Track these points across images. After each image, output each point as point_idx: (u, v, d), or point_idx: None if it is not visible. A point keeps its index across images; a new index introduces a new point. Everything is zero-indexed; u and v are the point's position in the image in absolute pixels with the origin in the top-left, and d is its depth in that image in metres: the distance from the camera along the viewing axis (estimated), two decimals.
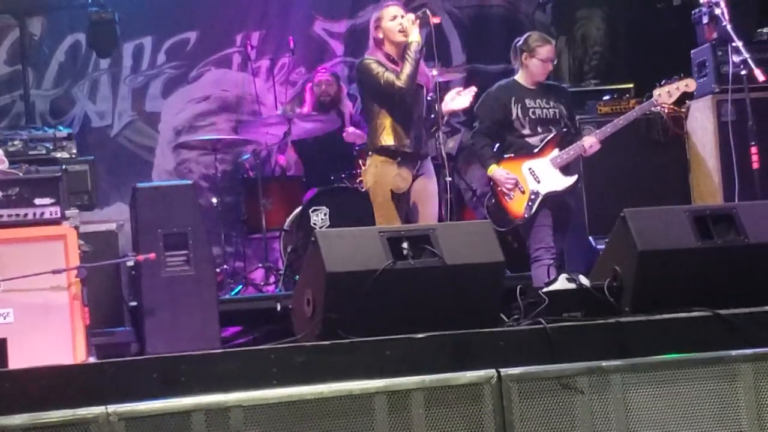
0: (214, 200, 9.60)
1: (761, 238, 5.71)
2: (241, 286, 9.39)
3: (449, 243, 5.47)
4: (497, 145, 8.13)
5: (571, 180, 8.02)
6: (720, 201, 8.76)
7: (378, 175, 7.51)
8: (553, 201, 7.99)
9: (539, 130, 8.04)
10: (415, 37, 7.46)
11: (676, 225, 5.69)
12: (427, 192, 7.66)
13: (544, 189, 7.95)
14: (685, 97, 9.30)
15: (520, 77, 8.19)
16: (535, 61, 8.09)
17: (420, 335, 5.05)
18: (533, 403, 4.82)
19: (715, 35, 9.13)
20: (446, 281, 5.41)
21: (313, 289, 5.43)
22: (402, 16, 7.54)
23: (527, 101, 8.07)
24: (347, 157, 9.69)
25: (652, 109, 8.73)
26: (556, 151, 8.01)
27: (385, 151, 7.51)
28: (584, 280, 5.85)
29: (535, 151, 8.01)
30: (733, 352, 4.93)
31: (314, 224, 9.10)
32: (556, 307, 5.59)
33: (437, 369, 4.91)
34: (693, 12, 9.41)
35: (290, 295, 7.19)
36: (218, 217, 9.61)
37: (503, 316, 5.59)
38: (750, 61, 7.63)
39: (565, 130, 8.07)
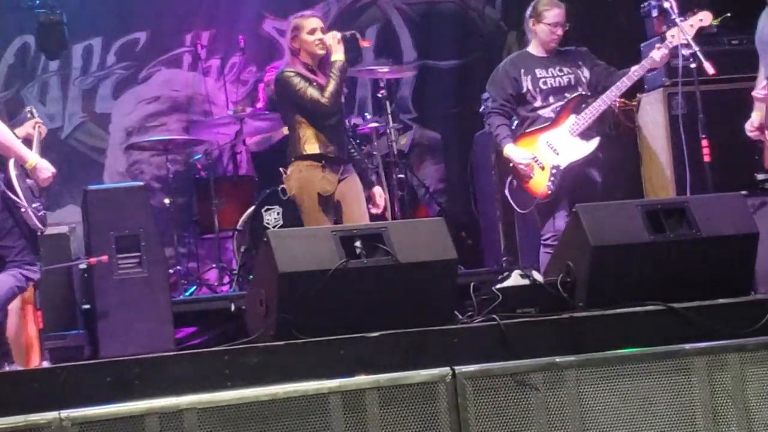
0: (167, 201, 9.53)
1: (713, 231, 5.76)
2: (194, 287, 9.34)
3: (402, 241, 5.48)
4: (515, 121, 7.96)
5: (592, 145, 7.75)
6: (672, 194, 8.80)
7: (303, 180, 7.42)
8: (574, 177, 7.72)
9: (551, 100, 7.82)
10: (339, 56, 7.37)
11: (628, 219, 5.72)
12: (353, 192, 7.55)
13: (564, 161, 7.70)
14: (635, 91, 9.34)
15: (532, 47, 7.99)
16: (542, 27, 7.86)
17: (374, 334, 5.06)
18: (488, 400, 4.83)
19: (664, 29, 9.16)
20: (400, 279, 5.42)
21: (266, 289, 5.42)
22: (321, 30, 7.47)
23: (538, 71, 7.85)
24: None
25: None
26: (572, 118, 7.75)
27: (309, 157, 7.43)
28: (538, 276, 5.87)
29: (552, 122, 7.77)
30: (687, 346, 4.96)
31: (267, 224, 9.04)
32: (510, 303, 5.61)
33: (392, 368, 4.91)
34: (642, 5, 9.44)
35: (244, 295, 7.17)
36: (171, 218, 9.54)
37: (457, 314, 5.60)
38: (699, 54, 7.64)
39: (579, 94, 7.79)
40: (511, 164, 7.81)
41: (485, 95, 8.26)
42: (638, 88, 9.39)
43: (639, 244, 5.67)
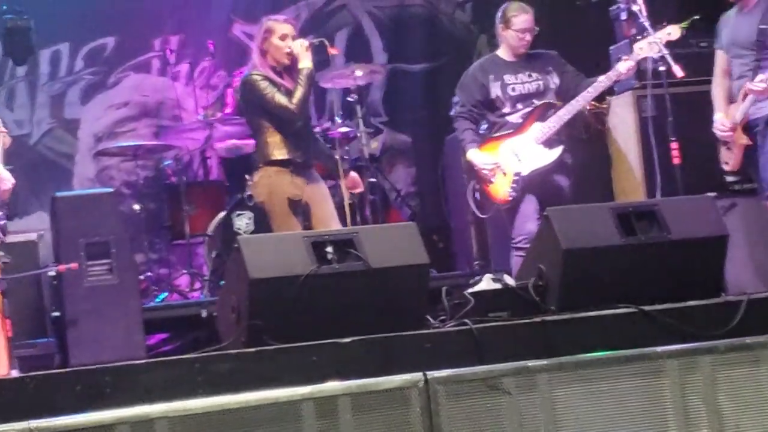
0: (137, 207, 9.48)
1: (684, 233, 5.77)
2: (166, 293, 9.29)
3: (374, 246, 5.47)
4: (484, 125, 7.97)
5: (555, 153, 7.75)
6: (642, 196, 8.81)
7: (273, 185, 7.41)
8: (539, 184, 7.73)
9: (519, 106, 7.82)
10: (306, 63, 7.36)
11: (599, 223, 5.73)
12: (321, 194, 7.57)
13: (526, 168, 7.71)
14: (606, 94, 9.35)
15: (501, 51, 8.00)
16: (511, 33, 7.88)
17: (346, 340, 5.05)
18: (460, 404, 4.81)
19: (633, 31, 9.17)
20: (371, 284, 5.41)
21: (237, 295, 5.40)
22: (292, 38, 7.45)
23: (507, 77, 7.86)
24: None
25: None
26: (538, 125, 7.75)
27: (278, 162, 7.42)
28: (509, 280, 5.88)
29: (516, 128, 7.79)
30: (659, 349, 4.96)
31: (238, 229, 9.02)
32: (482, 307, 5.60)
33: (364, 373, 4.89)
34: (611, 8, 9.46)
35: (216, 301, 7.14)
36: (141, 224, 9.49)
37: (429, 318, 5.59)
38: (668, 57, 7.66)
39: (546, 102, 7.80)
40: (474, 169, 7.82)
41: (455, 98, 8.27)
42: (608, 90, 9.40)
43: (610, 246, 5.68)
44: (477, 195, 7.88)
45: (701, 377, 4.97)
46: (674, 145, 7.71)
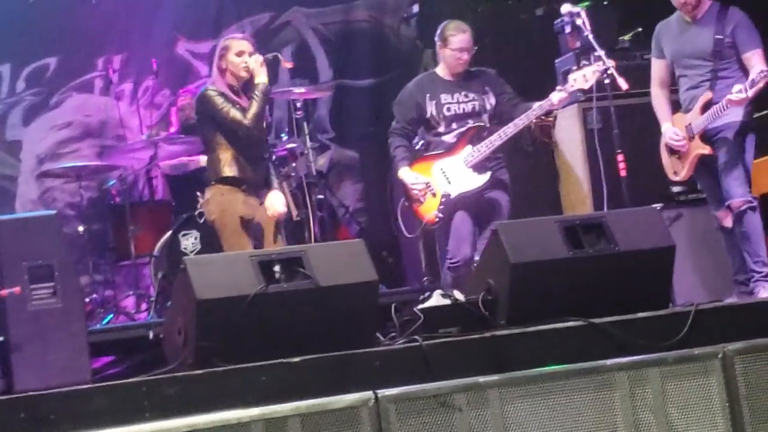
0: (81, 228, 9.40)
1: (631, 245, 5.78)
2: (111, 315, 9.22)
3: (322, 264, 5.44)
4: (421, 142, 8.01)
5: (482, 179, 7.76)
6: (589, 209, 8.84)
7: (225, 204, 7.37)
8: (469, 202, 7.77)
9: (454, 126, 7.85)
10: (262, 78, 7.34)
11: (547, 236, 5.73)
12: (268, 218, 7.52)
13: (455, 190, 7.74)
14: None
15: (439, 69, 8.01)
16: (448, 52, 7.89)
17: (295, 359, 5.01)
18: (412, 422, 4.78)
19: (578, 44, 9.23)
20: (320, 303, 5.38)
21: (184, 317, 5.35)
22: (249, 54, 7.41)
23: (443, 96, 7.87)
24: None
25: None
26: (468, 148, 7.79)
27: (228, 180, 7.38)
28: (459, 296, 5.85)
29: (448, 149, 7.83)
30: (608, 362, 4.95)
31: (185, 249, 8.96)
32: (432, 323, 5.58)
33: (314, 393, 4.85)
34: (555, 22, 9.51)
35: (163, 322, 7.07)
36: (85, 246, 9.43)
37: (379, 336, 5.57)
38: (613, 69, 7.69)
39: (479, 124, 7.84)
40: (404, 187, 7.87)
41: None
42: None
43: (558, 260, 5.68)
44: (406, 213, 7.94)
45: (651, 389, 4.98)
46: (620, 157, 7.73)
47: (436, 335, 5.40)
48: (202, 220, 7.59)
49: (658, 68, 7.70)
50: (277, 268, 5.34)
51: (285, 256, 5.44)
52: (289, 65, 7.75)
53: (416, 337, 5.26)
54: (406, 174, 7.82)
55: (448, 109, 7.86)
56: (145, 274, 9.62)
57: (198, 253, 8.80)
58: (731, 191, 7.29)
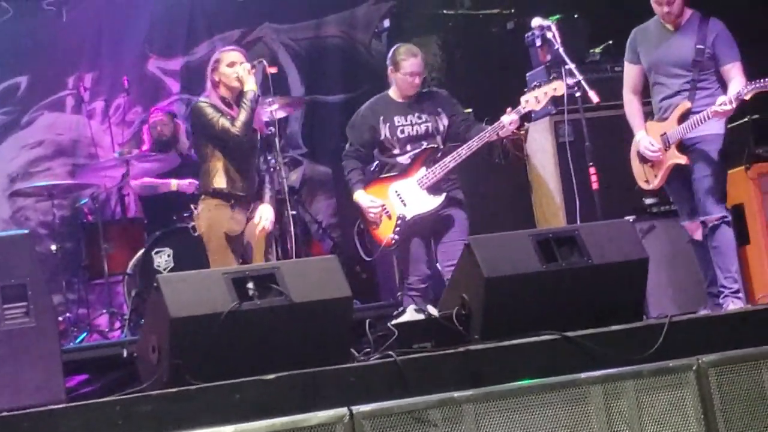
0: (54, 247, 9.37)
1: (604, 258, 5.78)
2: (85, 334, 9.19)
3: (295, 280, 5.42)
4: (376, 163, 8.05)
5: (437, 201, 7.82)
6: (562, 222, 8.86)
7: (212, 219, 7.41)
8: (424, 224, 7.84)
9: (408, 148, 7.91)
10: (251, 86, 7.37)
11: (520, 250, 5.72)
12: (256, 233, 7.54)
13: (410, 212, 7.81)
14: (523, 120, 9.40)
15: (392, 91, 8.07)
16: (399, 76, 7.96)
17: (270, 376, 4.98)
18: None
19: (548, 58, 9.26)
20: (294, 319, 5.35)
21: (158, 335, 5.32)
22: (240, 64, 7.44)
23: (397, 118, 7.94)
24: (188, 197, 9.58)
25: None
26: (422, 170, 7.85)
27: (217, 194, 7.40)
28: (433, 310, 5.84)
29: (403, 171, 7.89)
30: (583, 375, 4.94)
31: (158, 266, 8.96)
32: (406, 339, 5.57)
33: (289, 410, 4.83)
34: (526, 35, 9.53)
35: (137, 340, 7.04)
36: (58, 264, 9.39)
37: (354, 352, 5.55)
38: (583, 82, 7.72)
39: (433, 146, 7.90)
40: (360, 210, 7.92)
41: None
42: (526, 117, 9.46)
43: (532, 273, 5.68)
44: (362, 236, 7.99)
45: (626, 402, 4.97)
46: (592, 169, 7.75)
47: (411, 350, 5.39)
48: (196, 234, 7.57)
49: (632, 74, 7.67)
50: (250, 285, 5.32)
51: (258, 273, 5.42)
52: (273, 70, 7.72)
53: (391, 352, 5.24)
54: (361, 197, 7.91)
55: (402, 131, 7.93)
56: (119, 292, 9.59)
57: (171, 270, 8.78)
58: (708, 206, 7.29)
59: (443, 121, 7.99)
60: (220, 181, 7.39)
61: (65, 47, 10.76)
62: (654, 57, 7.50)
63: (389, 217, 7.84)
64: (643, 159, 7.55)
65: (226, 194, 7.39)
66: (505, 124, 7.72)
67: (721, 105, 7.10)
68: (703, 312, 7.11)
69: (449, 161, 7.81)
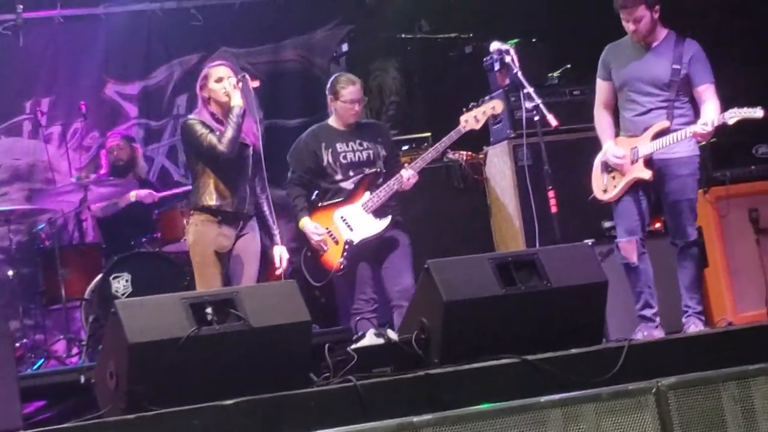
0: (10, 273, 9.32)
1: (563, 281, 5.80)
2: (42, 360, 9.12)
3: (254, 305, 5.41)
4: (316, 192, 8.09)
5: (383, 223, 7.92)
6: (521, 245, 8.88)
7: (198, 234, 7.43)
8: (371, 246, 7.92)
9: (351, 174, 7.99)
10: (237, 101, 7.36)
11: (479, 273, 5.73)
12: (249, 252, 7.56)
13: (357, 237, 7.90)
14: (482, 143, 9.43)
15: (332, 120, 8.14)
16: (339, 104, 8.04)
17: (229, 402, 4.95)
18: None
19: (507, 81, 9.29)
20: (253, 344, 5.34)
21: (116, 361, 5.28)
22: (228, 78, 7.44)
23: (338, 145, 8.01)
24: (147, 221, 9.55)
25: (451, 156, 8.84)
26: (367, 195, 7.96)
27: (206, 210, 7.42)
28: (392, 335, 5.83)
29: (347, 197, 7.97)
30: (542, 399, 4.93)
31: (116, 291, 8.91)
32: (366, 363, 5.56)
33: None
34: (484, 59, 9.55)
35: (94, 366, 6.99)
36: (15, 290, 9.34)
37: (313, 376, 5.53)
38: (542, 106, 7.74)
39: (375, 170, 8.00)
40: (306, 237, 7.98)
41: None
42: (485, 140, 9.49)
43: (491, 297, 5.69)
44: (309, 263, 8.05)
45: (585, 426, 4.96)
46: (551, 193, 7.76)
47: (370, 375, 5.38)
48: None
49: (603, 90, 7.58)
50: (209, 310, 5.30)
51: (217, 298, 5.41)
52: (255, 84, 7.69)
53: (350, 377, 5.24)
54: (307, 224, 7.98)
55: (344, 157, 8.02)
56: (76, 317, 9.53)
57: (130, 295, 8.74)
58: (683, 229, 7.29)
59: (382, 151, 8.11)
60: (209, 198, 7.40)
61: (22, 71, 10.71)
62: (628, 74, 7.43)
63: (336, 242, 7.93)
64: (605, 168, 7.47)
65: (214, 210, 7.40)
66: (404, 179, 7.90)
67: (702, 125, 7.11)
68: (639, 336, 7.09)
69: (393, 184, 7.93)
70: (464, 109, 8.16)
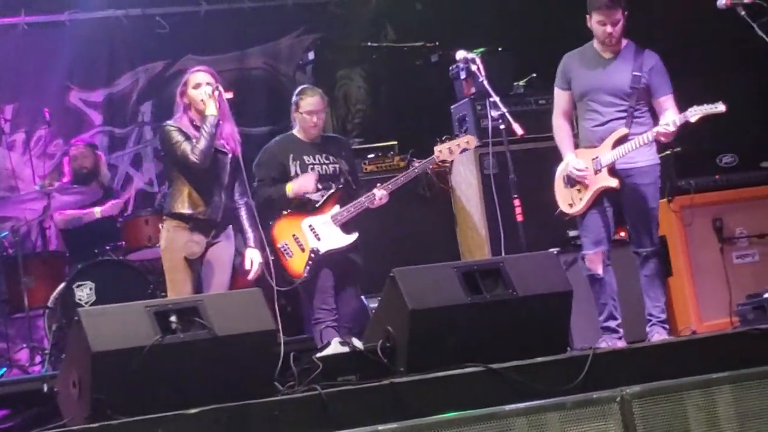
0: None
1: (528, 290, 5.80)
2: (5, 369, 9.05)
3: (219, 313, 5.39)
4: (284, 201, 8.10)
5: (351, 238, 7.98)
6: (487, 254, 8.89)
7: (169, 240, 7.43)
8: (335, 259, 7.95)
9: (319, 187, 8.02)
10: (211, 111, 7.31)
11: (445, 282, 5.73)
12: (221, 260, 7.54)
13: (323, 247, 7.93)
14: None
15: (297, 131, 8.19)
16: (300, 115, 8.10)
17: (193, 410, 4.93)
18: None
19: (473, 90, 9.31)
20: (218, 353, 5.32)
21: (79, 369, 5.25)
22: (208, 84, 7.41)
23: (306, 157, 8.07)
24: (111, 229, 9.50)
25: (417, 164, 8.85)
26: (336, 208, 8.00)
27: (178, 217, 7.40)
28: (357, 343, 5.83)
29: (317, 206, 7.99)
30: (507, 407, 4.93)
31: (80, 300, 8.87)
32: (331, 371, 5.54)
33: None
34: (450, 68, 9.57)
35: (57, 374, 6.95)
36: None
37: (278, 385, 5.51)
38: (508, 115, 7.75)
39: (345, 185, 8.06)
40: (273, 240, 8.01)
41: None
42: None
43: (456, 306, 5.68)
44: (275, 267, 8.02)
45: None
46: (517, 201, 7.77)
47: (335, 383, 5.37)
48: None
49: (562, 100, 7.56)
50: (173, 318, 5.28)
51: (181, 306, 5.38)
52: (229, 95, 7.66)
53: (315, 385, 5.23)
54: (293, 187, 8.02)
55: (312, 169, 8.07)
56: (39, 326, 9.47)
57: (93, 304, 8.70)
58: (645, 238, 7.32)
59: (345, 166, 8.19)
60: (181, 206, 7.38)
61: None
62: (589, 83, 7.41)
63: (302, 249, 7.94)
64: (569, 182, 7.46)
65: (186, 217, 7.37)
66: (375, 198, 7.99)
67: (665, 125, 7.12)
68: (603, 345, 7.09)
69: (363, 201, 8.02)
70: (438, 140, 8.23)
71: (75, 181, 9.86)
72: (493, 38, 9.83)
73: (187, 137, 7.35)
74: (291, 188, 7.98)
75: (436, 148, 8.12)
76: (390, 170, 9.61)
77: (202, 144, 7.28)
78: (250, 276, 7.64)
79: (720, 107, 7.06)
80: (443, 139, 8.18)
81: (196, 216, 7.38)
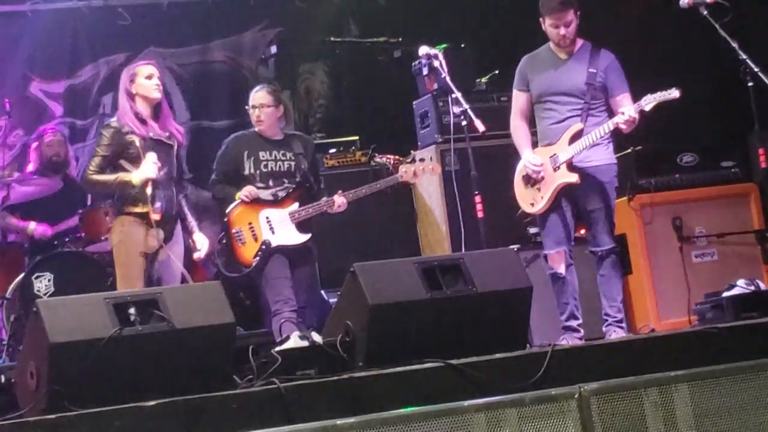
0: None
1: (488, 286, 5.81)
2: None
3: (178, 306, 5.38)
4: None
5: (303, 237, 8.01)
6: (447, 250, 8.90)
7: (124, 234, 7.41)
8: (286, 252, 7.96)
9: (271, 183, 8.05)
10: (147, 174, 7.29)
11: (405, 277, 5.73)
12: (174, 254, 7.54)
13: (275, 241, 7.95)
14: (409, 147, 9.44)
15: (257, 128, 8.19)
16: (251, 110, 8.15)
17: (150, 403, 4.91)
18: None
19: (435, 86, 9.32)
20: (176, 345, 5.31)
21: (36, 360, 5.23)
22: (157, 77, 7.46)
23: (261, 153, 8.08)
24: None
25: (378, 160, 8.86)
26: (295, 206, 8.04)
27: (131, 213, 7.38)
28: (317, 337, 5.82)
29: (277, 201, 8.02)
30: (466, 403, 4.93)
31: (38, 291, 8.84)
32: (290, 365, 5.53)
33: None
34: (413, 64, 9.57)
35: (15, 365, 6.91)
36: None
37: (236, 378, 5.50)
38: (470, 111, 7.76)
39: (306, 184, 8.10)
40: (227, 223, 8.07)
41: None
42: (412, 144, 9.51)
43: (416, 301, 5.69)
44: (224, 251, 8.11)
45: (509, 430, 4.97)
46: (478, 198, 7.78)
47: (294, 377, 5.36)
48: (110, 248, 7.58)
49: (520, 100, 7.60)
50: (132, 310, 5.26)
51: (140, 298, 5.36)
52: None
53: (274, 379, 5.21)
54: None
55: (265, 166, 8.10)
56: None
57: (52, 295, 8.66)
58: (602, 237, 7.35)
59: (304, 164, 8.18)
60: (132, 206, 7.38)
61: None
62: (545, 84, 7.46)
63: (255, 239, 7.97)
64: (529, 181, 7.50)
65: (140, 213, 7.35)
66: (335, 204, 8.05)
67: (621, 115, 7.14)
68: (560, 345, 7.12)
69: (324, 205, 8.05)
70: (403, 160, 8.26)
71: (43, 170, 9.79)
72: (456, 34, 9.86)
73: (110, 144, 7.36)
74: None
75: (402, 168, 8.22)
76: (351, 165, 9.63)
77: (102, 178, 7.32)
78: (201, 255, 7.69)
79: (674, 93, 7.10)
80: (410, 159, 8.22)
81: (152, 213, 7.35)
